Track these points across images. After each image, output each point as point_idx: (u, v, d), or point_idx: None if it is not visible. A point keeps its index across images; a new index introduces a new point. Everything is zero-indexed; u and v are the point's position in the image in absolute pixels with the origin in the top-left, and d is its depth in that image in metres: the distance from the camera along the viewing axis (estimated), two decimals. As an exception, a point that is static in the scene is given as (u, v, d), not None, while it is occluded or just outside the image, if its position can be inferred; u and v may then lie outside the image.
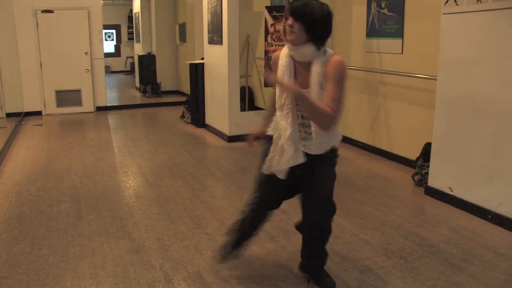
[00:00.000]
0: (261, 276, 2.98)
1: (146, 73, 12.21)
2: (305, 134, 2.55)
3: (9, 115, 7.44)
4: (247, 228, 2.99)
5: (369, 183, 4.88)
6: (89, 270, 3.07)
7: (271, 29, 6.03)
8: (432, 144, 4.41)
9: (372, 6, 5.77)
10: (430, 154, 4.46)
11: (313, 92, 2.38)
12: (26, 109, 9.03)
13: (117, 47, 18.87)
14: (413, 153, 5.18)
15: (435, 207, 4.20)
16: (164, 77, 12.35)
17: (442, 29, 4.17)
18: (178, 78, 12.66)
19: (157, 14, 12.30)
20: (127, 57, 18.49)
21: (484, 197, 3.89)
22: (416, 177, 4.77)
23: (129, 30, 17.86)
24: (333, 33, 6.65)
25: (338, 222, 3.81)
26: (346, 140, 6.61)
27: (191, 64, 8.05)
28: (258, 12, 7.62)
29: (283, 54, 2.53)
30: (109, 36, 18.59)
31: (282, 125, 2.52)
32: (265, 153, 2.71)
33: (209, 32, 7.30)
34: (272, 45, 6.07)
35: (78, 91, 9.46)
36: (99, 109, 9.72)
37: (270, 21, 6.01)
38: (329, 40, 2.45)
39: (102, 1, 9.88)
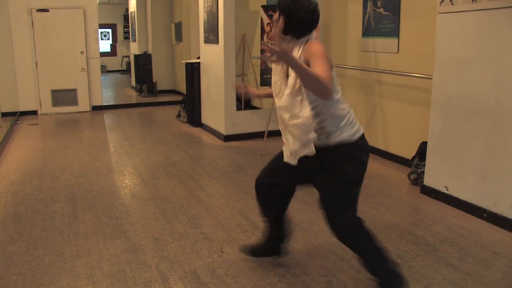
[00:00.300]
0: (257, 275, 2.99)
1: (142, 72, 12.19)
2: None
3: (4, 114, 7.41)
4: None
5: (365, 182, 4.82)
6: (85, 270, 3.06)
7: (267, 28, 6.02)
8: (428, 143, 4.42)
9: (368, 5, 5.78)
10: (426, 153, 4.47)
11: (292, 79, 2.42)
12: (22, 109, 9.00)
13: (113, 46, 18.83)
14: (409, 152, 5.19)
15: (431, 206, 4.21)
16: (160, 77, 12.33)
17: (438, 28, 4.18)
18: (174, 78, 12.64)
19: (153, 13, 12.28)
20: (123, 57, 18.45)
21: (479, 196, 3.91)
22: (412, 176, 4.78)
23: (125, 29, 17.83)
24: (329, 32, 6.69)
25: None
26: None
27: (187, 63, 8.04)
28: (254, 11, 7.62)
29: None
30: (105, 35, 18.54)
31: (280, 111, 2.53)
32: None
33: (205, 31, 7.30)
34: (268, 44, 6.07)
35: (74, 90, 9.43)
36: (95, 108, 9.70)
37: (266, 20, 6.01)
38: (314, 33, 2.52)
39: (98, 0, 9.85)
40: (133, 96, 12.15)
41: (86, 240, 3.51)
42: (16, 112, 8.73)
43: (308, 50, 2.38)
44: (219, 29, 6.60)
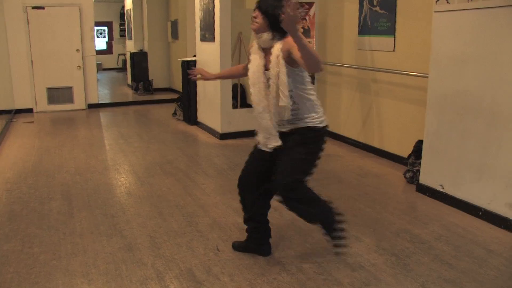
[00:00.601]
0: (253, 273, 2.99)
1: (138, 70, 12.16)
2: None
3: (-1, 112, 7.39)
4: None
5: (361, 181, 4.89)
6: (80, 268, 3.06)
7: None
8: (423, 141, 4.44)
9: (364, 3, 5.78)
10: (421, 151, 4.48)
11: (273, 70, 2.71)
12: (17, 107, 8.97)
13: (109, 44, 18.78)
14: (404, 151, 5.20)
15: (427, 204, 4.23)
16: (156, 75, 12.30)
17: (434, 27, 4.19)
18: (170, 76, 12.62)
19: (149, 11, 12.25)
20: (119, 54, 18.40)
21: (474, 194, 3.92)
22: (408, 175, 4.79)
23: (121, 27, 17.77)
24: (325, 30, 6.69)
25: (330, 219, 3.83)
26: (337, 137, 6.63)
27: (183, 61, 8.03)
28: (250, 9, 7.60)
29: (255, 44, 2.91)
30: (100, 33, 18.49)
31: (255, 100, 2.85)
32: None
33: (201, 29, 7.29)
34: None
35: (70, 88, 9.40)
36: (91, 106, 9.68)
37: (262, 18, 6.01)
38: None
39: (93, -2, 9.83)
40: (129, 94, 12.12)
41: (82, 238, 3.51)
42: (12, 110, 8.70)
43: (289, 43, 2.60)
44: (215, 27, 6.59)
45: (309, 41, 5.91)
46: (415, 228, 3.68)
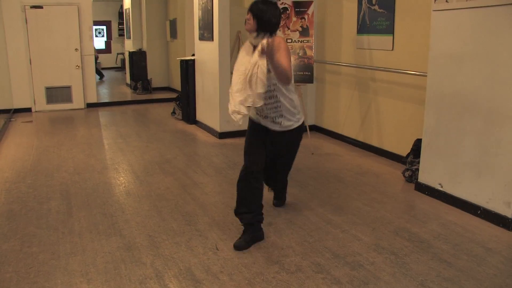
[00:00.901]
0: (252, 272, 2.99)
1: (137, 69, 12.14)
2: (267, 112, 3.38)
3: (-2, 111, 7.39)
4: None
5: (360, 179, 4.90)
6: (79, 267, 3.06)
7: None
8: (422, 140, 4.44)
9: (363, 2, 5.78)
10: (420, 150, 4.48)
11: (253, 60, 3.13)
12: (16, 106, 8.96)
13: (107, 43, 18.76)
14: (403, 149, 5.21)
15: (425, 203, 4.23)
16: (155, 74, 12.30)
17: (432, 26, 4.19)
18: (169, 75, 12.62)
19: (147, 10, 12.24)
20: (118, 54, 18.39)
21: (473, 193, 3.92)
22: (407, 173, 4.79)
23: (120, 26, 17.75)
24: (324, 29, 6.70)
25: (329, 218, 3.83)
26: (336, 136, 6.63)
27: (182, 61, 8.02)
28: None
29: (247, 41, 3.39)
30: (99, 32, 18.47)
31: (234, 85, 3.34)
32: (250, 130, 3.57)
33: (200, 28, 7.28)
34: (263, 42, 6.07)
35: (68, 87, 9.40)
36: (90, 105, 9.67)
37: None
38: (279, 32, 3.42)
39: (92, -3, 9.82)
40: (127, 93, 12.12)
41: (81, 237, 3.51)
42: (10, 110, 8.69)
43: (272, 41, 3.00)
44: (214, 26, 6.59)
45: (307, 40, 5.92)
46: (414, 226, 3.69)
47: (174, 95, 9.77)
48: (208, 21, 6.80)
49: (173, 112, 8.61)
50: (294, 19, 5.94)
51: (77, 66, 9.33)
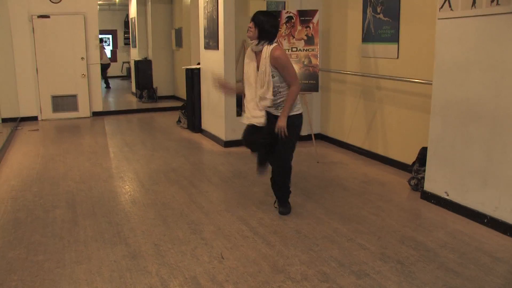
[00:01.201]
0: (257, 281, 2.98)
1: (142, 78, 12.20)
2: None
3: (4, 120, 7.42)
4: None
5: (365, 188, 4.88)
6: (85, 276, 3.06)
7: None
8: (428, 148, 4.42)
9: (368, 11, 5.80)
10: (426, 158, 4.47)
11: (261, 68, 3.77)
12: (22, 114, 9.01)
13: (113, 52, 18.86)
14: (409, 158, 5.19)
15: (431, 211, 4.21)
16: (160, 82, 12.34)
17: (437, 34, 4.19)
18: (174, 83, 12.66)
19: (153, 19, 12.31)
20: (123, 62, 18.47)
21: (480, 201, 3.90)
22: (412, 182, 4.77)
23: (125, 35, 17.86)
24: (329, 38, 6.72)
25: (334, 227, 3.82)
26: (342, 144, 6.62)
27: (187, 69, 8.05)
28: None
29: (249, 49, 3.94)
30: (105, 41, 18.58)
31: (248, 94, 3.94)
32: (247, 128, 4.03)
33: (205, 37, 7.31)
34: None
35: (74, 96, 9.45)
36: (95, 114, 9.71)
37: (266, 26, 6.04)
38: (276, 40, 3.86)
39: (98, 7, 9.89)
40: (133, 102, 12.17)
41: (86, 246, 3.51)
42: (17, 118, 8.74)
43: (274, 55, 3.70)
44: (219, 35, 6.62)
45: (312, 49, 5.93)
46: (420, 235, 3.67)
47: (179, 104, 9.80)
48: (213, 30, 6.83)
49: (179, 121, 8.63)
50: (299, 28, 5.96)
51: (83, 74, 9.38)
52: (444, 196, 4.25)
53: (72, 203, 4.46)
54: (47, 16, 8.98)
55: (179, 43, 11.77)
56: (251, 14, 8.92)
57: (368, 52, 5.89)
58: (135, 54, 13.41)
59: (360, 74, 6.05)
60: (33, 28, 8.90)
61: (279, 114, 3.83)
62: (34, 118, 9.17)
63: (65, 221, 4.00)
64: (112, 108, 10.83)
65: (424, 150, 4.65)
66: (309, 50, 5.95)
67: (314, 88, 5.99)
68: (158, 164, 5.84)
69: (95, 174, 5.41)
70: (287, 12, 6.02)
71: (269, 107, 3.87)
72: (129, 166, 5.79)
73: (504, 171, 3.67)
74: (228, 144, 6.73)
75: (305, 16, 5.94)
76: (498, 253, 3.36)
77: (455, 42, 4.01)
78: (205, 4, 7.16)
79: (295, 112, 3.89)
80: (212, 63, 7.06)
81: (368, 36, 5.86)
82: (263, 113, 3.86)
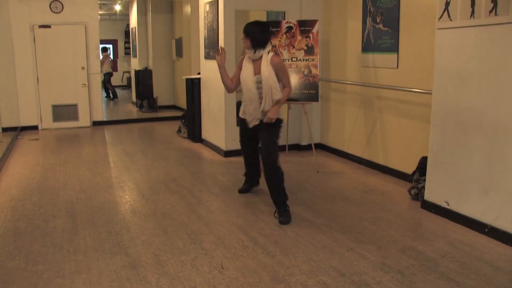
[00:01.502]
0: (258, 292, 2.97)
1: (143, 87, 12.23)
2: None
3: (5, 129, 7.43)
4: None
5: (366, 197, 4.88)
6: (84, 286, 3.04)
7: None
8: (428, 158, 4.42)
9: (367, 21, 5.82)
10: (426, 168, 4.46)
11: (264, 73, 4.14)
12: (23, 124, 9.03)
13: (114, 61, 18.91)
14: (409, 167, 5.19)
15: (432, 221, 4.20)
16: (161, 92, 12.37)
17: (437, 44, 4.21)
18: (175, 93, 12.69)
19: (153, 29, 12.37)
20: (124, 72, 18.53)
21: (480, 211, 3.90)
22: (413, 191, 4.77)
23: (126, 45, 17.93)
24: (329, 47, 6.74)
25: (335, 237, 3.81)
26: (342, 154, 6.62)
27: (187, 79, 8.07)
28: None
29: (246, 56, 4.29)
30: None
31: (246, 96, 4.38)
32: (241, 128, 4.67)
33: (205, 47, 7.34)
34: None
35: (75, 105, 9.47)
36: (96, 123, 9.72)
37: (266, 36, 6.06)
38: (269, 45, 4.25)
39: (99, 16, 9.93)
40: (133, 111, 12.19)
41: (86, 256, 3.50)
42: (17, 127, 8.75)
43: (274, 61, 4.16)
44: (219, 45, 6.64)
45: (312, 59, 5.95)
46: (420, 245, 3.66)
47: (179, 114, 9.81)
48: (214, 40, 6.86)
49: (179, 131, 8.64)
50: (299, 37, 5.98)
51: (84, 84, 9.41)
52: (445, 205, 4.24)
53: (72, 212, 4.45)
54: (48, 26, 9.03)
55: (179, 53, 11.81)
56: (251, 24, 8.96)
57: (368, 62, 5.91)
58: (135, 64, 13.45)
59: (360, 84, 6.06)
60: (34, 37, 8.95)
61: (262, 118, 4.30)
62: (35, 128, 9.18)
63: (64, 231, 3.99)
64: (113, 118, 10.84)
65: (424, 159, 4.65)
66: (309, 60, 5.97)
67: (314, 98, 6.00)
68: (158, 174, 5.84)
69: (95, 184, 5.41)
70: (287, 22, 6.05)
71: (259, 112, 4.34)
72: (129, 175, 5.79)
73: (505, 180, 3.67)
74: (228, 153, 6.73)
75: (305, 26, 5.97)
76: (499, 263, 3.35)
77: (455, 52, 4.03)
78: (205, 14, 7.20)
79: (278, 116, 4.31)
80: (212, 73, 7.07)
81: (368, 46, 5.88)
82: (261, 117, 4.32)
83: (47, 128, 9.28)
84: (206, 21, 7.16)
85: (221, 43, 6.54)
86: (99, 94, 9.80)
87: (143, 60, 13.04)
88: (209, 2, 6.96)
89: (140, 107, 11.90)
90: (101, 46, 11.97)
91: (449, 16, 4.00)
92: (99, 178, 5.65)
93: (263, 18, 7.70)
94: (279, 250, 3.57)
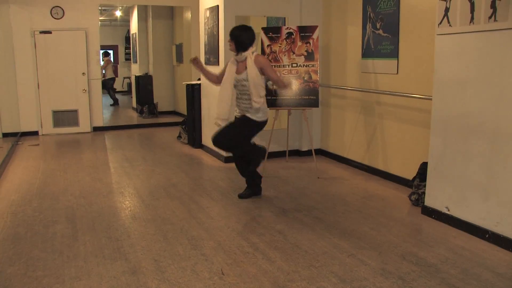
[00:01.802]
0: (258, 298, 2.96)
1: (143, 93, 12.25)
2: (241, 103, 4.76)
3: (5, 135, 7.43)
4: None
5: (366, 203, 4.87)
6: (84, 292, 3.04)
7: (267, 50, 6.07)
8: (428, 163, 4.42)
9: (367, 27, 5.84)
10: (426, 173, 4.46)
11: (252, 72, 4.50)
12: (23, 129, 9.03)
13: (114, 67, 18.93)
14: (409, 173, 5.19)
15: (432, 226, 4.20)
16: (161, 98, 12.38)
17: (436, 50, 4.22)
18: (175, 99, 12.70)
19: (154, 35, 12.40)
20: (124, 78, 18.55)
21: (481, 216, 3.89)
22: (413, 197, 4.76)
23: (126, 50, 17.96)
24: (329, 53, 6.75)
25: (335, 243, 3.80)
26: (342, 160, 6.62)
27: (187, 85, 8.08)
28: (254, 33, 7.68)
29: (233, 58, 4.68)
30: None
31: (222, 93, 4.78)
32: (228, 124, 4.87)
33: (205, 53, 7.36)
34: (268, 66, 6.11)
35: (75, 111, 9.47)
36: (96, 129, 9.73)
37: (266, 42, 6.07)
38: (253, 46, 4.60)
39: (99, 22, 9.96)
40: (134, 117, 12.19)
41: (86, 261, 3.49)
42: (17, 133, 8.75)
43: (258, 60, 4.54)
44: (219, 51, 6.66)
45: (312, 65, 5.96)
46: (421, 251, 3.65)
47: (180, 119, 9.81)
48: (214, 46, 6.87)
49: (179, 136, 8.64)
50: (299, 43, 5.99)
51: (84, 90, 9.42)
52: (445, 211, 4.24)
53: (72, 218, 4.45)
54: (49, 32, 9.05)
55: (179, 59, 11.84)
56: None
57: (368, 68, 5.92)
58: (136, 70, 13.48)
59: (360, 89, 6.07)
60: (35, 43, 8.97)
61: (240, 116, 4.73)
62: (35, 133, 9.19)
63: (64, 237, 3.98)
64: (113, 124, 10.85)
65: (425, 165, 4.65)
66: (309, 65, 5.98)
67: (314, 103, 6.01)
68: (158, 180, 5.84)
69: (95, 189, 5.40)
70: (287, 28, 6.06)
71: (239, 109, 4.77)
72: (130, 181, 5.79)
73: (505, 186, 3.67)
74: (229, 159, 6.72)
75: (305, 32, 5.99)
76: (500, 269, 3.34)
77: (454, 58, 4.04)
78: (206, 20, 7.22)
79: (257, 118, 4.65)
80: (212, 78, 7.08)
81: (367, 52, 5.89)
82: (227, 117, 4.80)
83: (47, 133, 9.28)
84: (207, 27, 7.18)
85: (221, 49, 6.55)
86: (100, 99, 9.80)
87: (143, 66, 13.06)
88: (210, 8, 6.98)
89: (141, 112, 11.91)
90: (101, 51, 11.97)
91: (448, 22, 4.01)
92: (99, 184, 5.64)
93: (263, 24, 7.71)
94: (279, 255, 3.57)
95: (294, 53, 6.03)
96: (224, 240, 3.89)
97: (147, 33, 12.86)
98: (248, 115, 4.65)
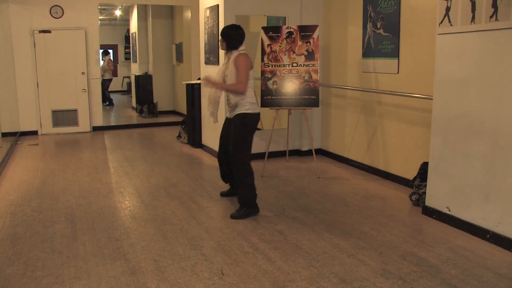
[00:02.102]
0: (258, 298, 2.95)
1: (143, 93, 12.23)
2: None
3: (4, 134, 7.42)
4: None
5: (366, 203, 4.86)
6: (83, 292, 3.03)
7: (267, 50, 6.06)
8: (429, 163, 4.41)
9: (368, 26, 5.83)
10: (427, 173, 4.45)
11: (230, 69, 4.50)
12: (22, 129, 9.01)
13: (114, 67, 18.92)
14: (410, 173, 5.18)
15: (433, 226, 4.18)
16: (161, 97, 12.37)
17: (437, 49, 4.21)
18: (175, 98, 12.69)
19: (154, 34, 12.38)
20: (124, 77, 18.53)
21: (482, 216, 3.88)
22: (414, 197, 4.75)
23: (126, 50, 17.94)
24: (330, 53, 6.74)
25: (335, 243, 3.79)
26: (342, 159, 6.61)
27: (187, 84, 8.07)
28: (254, 32, 7.68)
29: (225, 55, 4.70)
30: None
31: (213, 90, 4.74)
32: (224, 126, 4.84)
33: (205, 52, 7.34)
34: (268, 66, 6.09)
35: (75, 110, 9.46)
36: (96, 129, 9.71)
37: (266, 41, 6.05)
38: (243, 45, 4.57)
39: (99, 21, 9.94)
40: (133, 116, 12.18)
41: (85, 262, 3.48)
42: (17, 132, 8.74)
43: (237, 59, 4.47)
44: (219, 51, 6.64)
45: (313, 64, 5.95)
46: (421, 251, 3.64)
47: (179, 119, 9.81)
48: (214, 45, 6.86)
49: (179, 136, 8.63)
50: (299, 43, 5.98)
51: (83, 89, 9.40)
52: (446, 211, 4.22)
53: (72, 218, 4.44)
54: (48, 31, 9.03)
55: (179, 58, 11.82)
56: (252, 30, 9.03)
57: (368, 67, 5.91)
58: (135, 69, 13.46)
59: (360, 89, 6.06)
60: (34, 42, 8.95)
61: (232, 117, 4.62)
62: (34, 133, 9.17)
63: (64, 237, 3.97)
64: (113, 123, 10.83)
65: (425, 165, 4.64)
66: (310, 65, 5.97)
67: (314, 103, 5.99)
68: (158, 179, 5.83)
69: (94, 189, 5.39)
70: (288, 27, 6.05)
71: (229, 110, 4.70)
72: (129, 181, 5.77)
73: (506, 186, 3.66)
74: (228, 159, 6.71)
75: (306, 31, 5.97)
76: (501, 269, 3.33)
77: (455, 57, 4.03)
78: (206, 19, 7.20)
79: (244, 111, 4.50)
80: (212, 78, 7.07)
81: (368, 51, 5.88)
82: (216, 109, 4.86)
83: (46, 133, 9.27)
84: (207, 26, 7.16)
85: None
86: (99, 99, 9.79)
87: (143, 65, 13.05)
88: (210, 7, 6.97)
89: (140, 112, 11.90)
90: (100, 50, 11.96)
91: (449, 21, 4.00)
92: (99, 184, 5.63)
93: (263, 23, 7.70)
94: (279, 256, 3.55)
95: (294, 52, 6.02)
96: (224, 240, 3.88)
97: (147, 33, 12.84)
98: (237, 111, 4.55)
